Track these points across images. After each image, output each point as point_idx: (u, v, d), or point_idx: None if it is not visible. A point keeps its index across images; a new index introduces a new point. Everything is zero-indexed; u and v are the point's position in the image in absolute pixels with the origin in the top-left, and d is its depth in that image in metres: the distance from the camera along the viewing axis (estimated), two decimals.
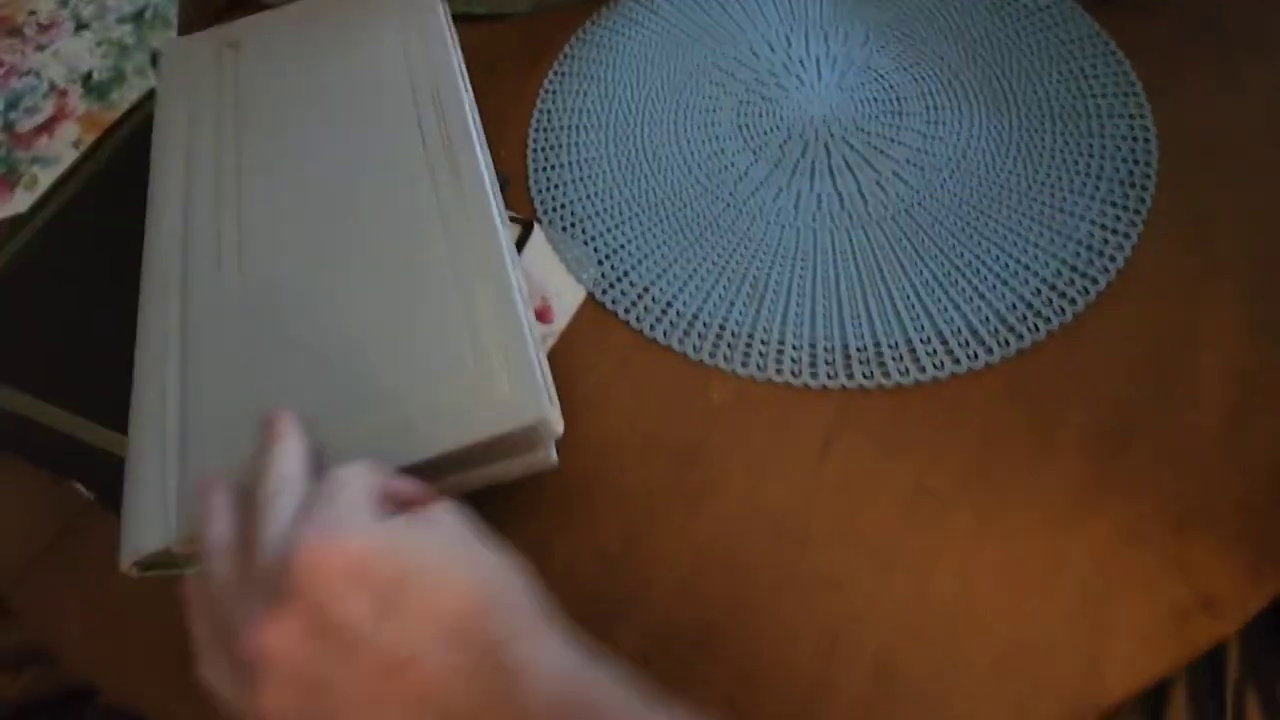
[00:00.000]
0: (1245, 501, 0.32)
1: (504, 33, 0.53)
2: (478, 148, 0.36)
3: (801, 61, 0.48)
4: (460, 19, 0.54)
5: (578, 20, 0.53)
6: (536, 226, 0.44)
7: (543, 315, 0.41)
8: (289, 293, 0.33)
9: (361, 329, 0.32)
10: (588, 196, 0.45)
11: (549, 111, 0.49)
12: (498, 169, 0.44)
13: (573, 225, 0.44)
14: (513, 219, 0.44)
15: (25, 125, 0.54)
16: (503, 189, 0.43)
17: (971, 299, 0.38)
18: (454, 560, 0.21)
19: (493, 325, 0.30)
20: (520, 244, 0.43)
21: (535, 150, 0.48)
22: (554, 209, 0.45)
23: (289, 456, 0.24)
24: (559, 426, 0.30)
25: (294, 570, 0.19)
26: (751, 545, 0.34)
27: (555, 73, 0.51)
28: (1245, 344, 0.35)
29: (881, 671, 0.30)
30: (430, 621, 0.20)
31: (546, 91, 0.50)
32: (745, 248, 0.42)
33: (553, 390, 0.30)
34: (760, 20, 0.51)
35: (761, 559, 0.33)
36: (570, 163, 0.47)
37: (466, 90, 0.41)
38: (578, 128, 0.48)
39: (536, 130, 0.49)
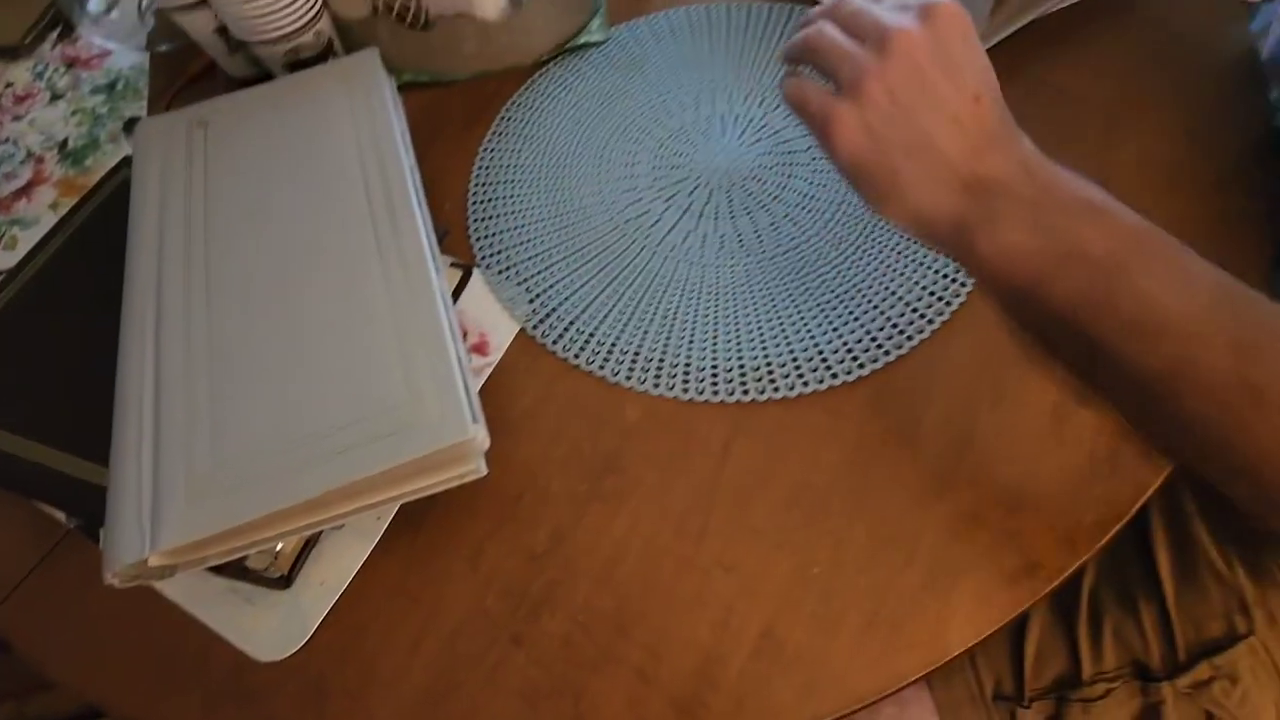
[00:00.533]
0: (1063, 485, 0.38)
1: (446, 98, 0.60)
2: (416, 208, 0.42)
3: (708, 120, 0.55)
4: (407, 87, 0.61)
5: (512, 86, 0.60)
6: (475, 271, 0.50)
7: (481, 348, 0.47)
8: (249, 337, 0.38)
9: (311, 368, 0.37)
10: (521, 243, 0.51)
11: (486, 167, 0.56)
12: (438, 222, 0.50)
13: (508, 268, 0.50)
14: (453, 265, 0.50)
15: (4, 190, 0.59)
16: (442, 240, 0.49)
17: (848, 322, 0.45)
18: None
19: (424, 360, 0.36)
20: (460, 286, 0.49)
21: (474, 202, 0.54)
22: (491, 254, 0.51)
23: None
24: (484, 442, 0.35)
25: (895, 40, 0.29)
26: (659, 539, 0.39)
27: (493, 133, 0.57)
28: None
29: (768, 639, 0.36)
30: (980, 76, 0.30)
31: (485, 150, 0.57)
32: (658, 284, 0.48)
33: (478, 411, 0.36)
34: (673, 85, 0.58)
35: (667, 550, 0.39)
36: (505, 213, 0.53)
37: (408, 154, 0.47)
38: (512, 182, 0.55)
39: (475, 184, 0.55)
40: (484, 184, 0.55)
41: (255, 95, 0.48)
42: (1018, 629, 0.48)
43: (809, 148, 0.53)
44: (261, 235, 0.41)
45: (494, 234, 0.52)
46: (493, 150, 0.56)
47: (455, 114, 0.59)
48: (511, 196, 0.54)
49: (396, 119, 0.47)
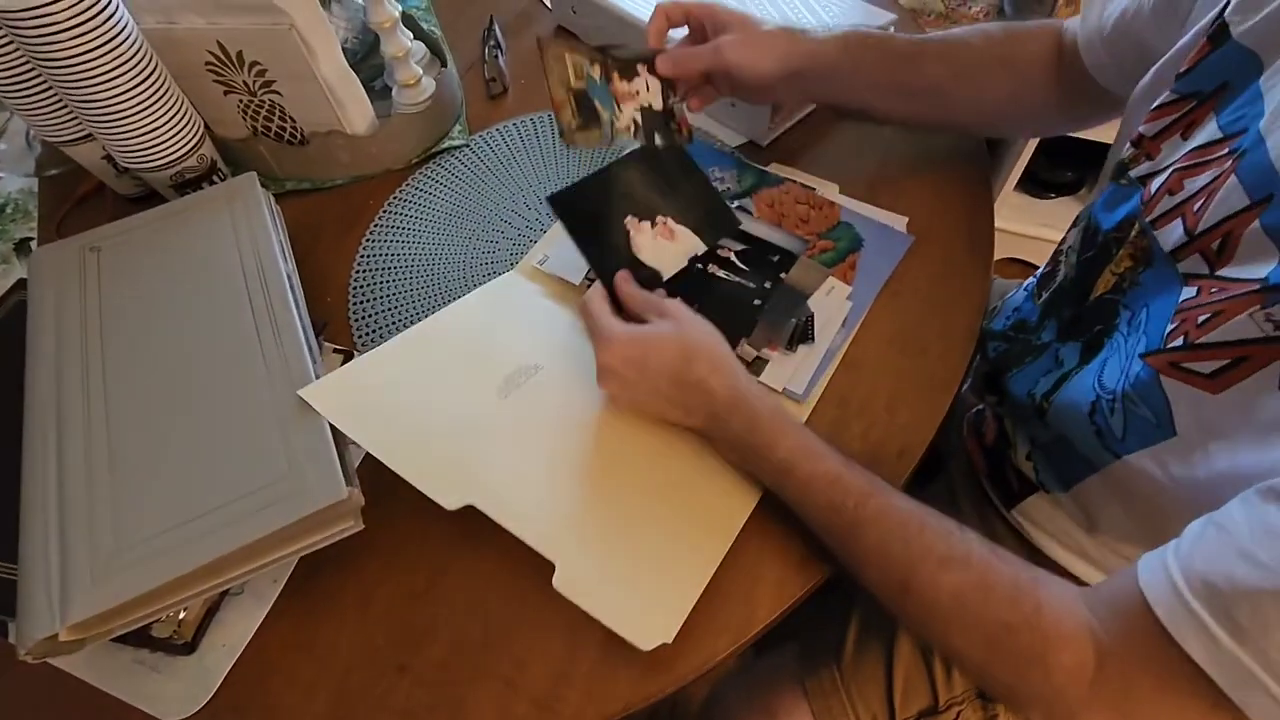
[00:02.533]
0: None
1: (326, 202, 0.68)
2: (294, 309, 0.49)
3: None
4: (289, 195, 0.68)
5: (387, 187, 0.68)
6: (355, 354, 0.57)
7: None
8: (145, 432, 0.44)
9: (203, 455, 0.43)
10: (395, 325, 0.59)
11: (365, 259, 0.63)
12: (320, 314, 0.57)
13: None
14: (335, 350, 0.57)
15: None
16: (321, 330, 0.56)
17: None
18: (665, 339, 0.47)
19: (303, 437, 0.43)
20: None
21: (354, 293, 0.61)
22: (369, 338, 0.58)
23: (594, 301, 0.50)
24: (358, 501, 0.42)
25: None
26: (520, 570, 0.46)
27: (370, 230, 0.65)
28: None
29: (611, 640, 0.43)
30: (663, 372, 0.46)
31: (364, 245, 0.64)
32: None
33: (353, 475, 0.43)
34: (527, 182, 0.68)
35: (527, 579, 0.46)
36: (382, 296, 0.61)
37: (287, 261, 0.54)
38: (389, 270, 0.62)
39: (355, 277, 0.62)
40: (363, 274, 0.62)
41: (144, 220, 0.55)
42: (888, 662, 0.56)
43: None
44: (155, 344, 0.48)
45: (372, 317, 0.59)
46: (371, 245, 0.64)
47: (335, 216, 0.67)
48: (388, 283, 0.62)
49: (275, 232, 0.54)
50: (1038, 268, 0.60)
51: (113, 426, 0.45)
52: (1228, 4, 0.40)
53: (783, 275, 0.57)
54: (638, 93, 0.56)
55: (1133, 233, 0.44)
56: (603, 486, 0.47)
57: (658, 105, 0.57)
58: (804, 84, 0.56)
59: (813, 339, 0.54)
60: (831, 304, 0.56)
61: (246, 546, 0.40)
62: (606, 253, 0.52)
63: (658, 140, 0.57)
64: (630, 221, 0.54)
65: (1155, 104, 0.44)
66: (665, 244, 0.55)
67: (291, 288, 0.51)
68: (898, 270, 0.58)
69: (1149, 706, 0.33)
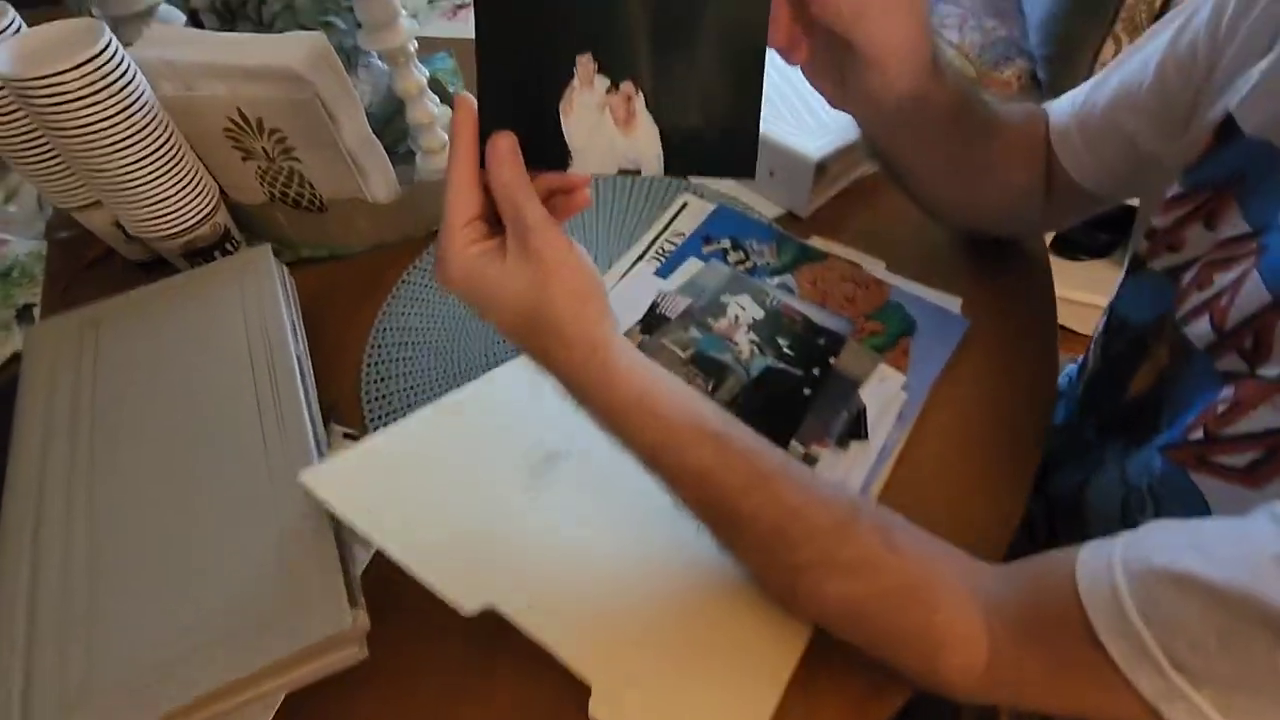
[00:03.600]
0: None
1: (343, 271, 0.65)
2: (302, 398, 0.45)
3: None
4: (304, 262, 0.65)
5: (407, 256, 0.65)
6: None
7: None
8: (130, 537, 0.40)
9: (192, 564, 0.38)
10: (412, 406, 0.55)
11: (382, 334, 0.60)
12: (329, 394, 0.53)
13: None
14: (346, 434, 0.53)
15: None
16: (329, 416, 0.52)
17: None
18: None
19: (305, 547, 0.38)
20: None
21: (369, 369, 0.57)
22: (383, 420, 0.54)
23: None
24: (364, 626, 0.37)
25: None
26: (535, 705, 0.41)
27: (389, 301, 0.62)
28: None
29: None
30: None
31: (381, 317, 0.61)
32: None
33: (358, 594, 0.38)
34: None
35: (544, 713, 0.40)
36: (398, 374, 0.57)
37: (298, 342, 0.50)
38: (407, 344, 0.59)
39: (371, 352, 0.58)
40: (379, 349, 0.59)
41: (149, 294, 0.52)
42: None
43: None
44: (149, 435, 0.44)
45: (386, 398, 0.55)
46: (388, 318, 0.61)
47: (352, 285, 0.63)
48: (405, 359, 0.58)
49: (287, 310, 0.51)
50: (1071, 331, 0.55)
51: (96, 528, 0.40)
52: (1231, 100, 0.38)
53: (831, 361, 0.52)
54: None
55: (1167, 328, 0.42)
56: (643, 600, 0.42)
57: None
58: (910, 82, 0.41)
59: (866, 435, 0.49)
60: (884, 394, 0.51)
61: (235, 681, 0.35)
62: (515, 89, 0.33)
63: None
64: (582, 64, 0.33)
65: (1166, 197, 0.42)
66: (608, 127, 0.34)
67: (301, 372, 0.47)
68: (954, 357, 0.53)
69: (1040, 686, 0.33)
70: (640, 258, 0.61)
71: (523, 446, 0.46)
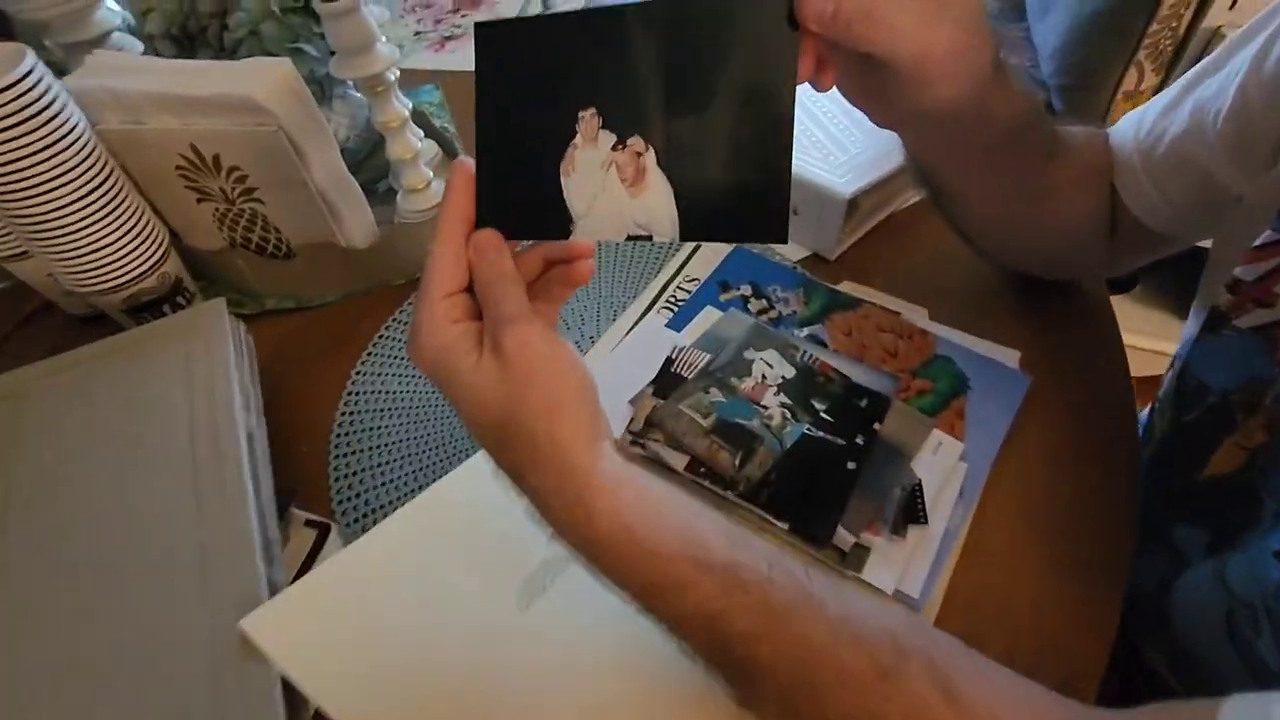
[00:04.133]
0: None
1: (312, 322, 0.57)
2: (249, 485, 0.37)
3: None
4: (267, 315, 0.58)
5: (387, 307, 0.58)
6: (334, 528, 0.45)
7: None
8: (34, 663, 0.31)
9: (99, 705, 0.30)
10: (387, 485, 0.47)
11: (356, 395, 0.52)
12: (291, 472, 0.45)
13: (370, 514, 0.45)
14: (309, 523, 0.45)
15: None
16: (288, 504, 0.44)
17: None
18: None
19: (240, 694, 0.30)
20: (316, 549, 0.44)
21: (339, 438, 0.49)
22: (353, 503, 0.46)
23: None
24: None
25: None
26: None
27: (365, 357, 0.54)
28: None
29: None
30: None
31: (355, 376, 0.53)
32: None
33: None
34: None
35: None
36: (373, 447, 0.49)
37: (251, 411, 0.43)
38: (382, 411, 0.51)
39: (342, 415, 0.51)
40: (351, 415, 0.51)
41: (83, 357, 0.44)
42: None
43: None
44: (68, 534, 0.36)
45: (358, 475, 0.47)
46: (362, 379, 0.53)
47: (322, 340, 0.56)
48: (381, 429, 0.50)
49: (239, 377, 0.43)
50: None
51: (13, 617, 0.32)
52: None
53: (876, 427, 0.45)
54: None
55: (1266, 399, 0.35)
56: None
57: None
58: (962, 90, 0.33)
59: (925, 518, 0.41)
60: (941, 467, 0.44)
61: None
62: (513, 148, 0.30)
63: None
64: (584, 119, 0.29)
65: (1254, 243, 0.36)
66: (614, 188, 0.29)
67: (252, 451, 0.40)
68: (1017, 421, 0.46)
69: None
70: (650, 308, 0.54)
71: (513, 556, 0.39)
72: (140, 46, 0.61)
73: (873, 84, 0.35)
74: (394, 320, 0.57)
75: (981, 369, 0.49)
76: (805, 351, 0.49)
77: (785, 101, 0.27)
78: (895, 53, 0.30)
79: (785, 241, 0.27)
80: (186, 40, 0.56)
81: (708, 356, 0.50)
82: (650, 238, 0.29)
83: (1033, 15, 1.12)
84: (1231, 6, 0.85)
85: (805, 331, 0.51)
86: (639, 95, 0.28)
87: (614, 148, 0.28)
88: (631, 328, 0.53)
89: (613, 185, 0.28)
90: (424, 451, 0.48)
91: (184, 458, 0.38)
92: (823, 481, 0.43)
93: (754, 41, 0.27)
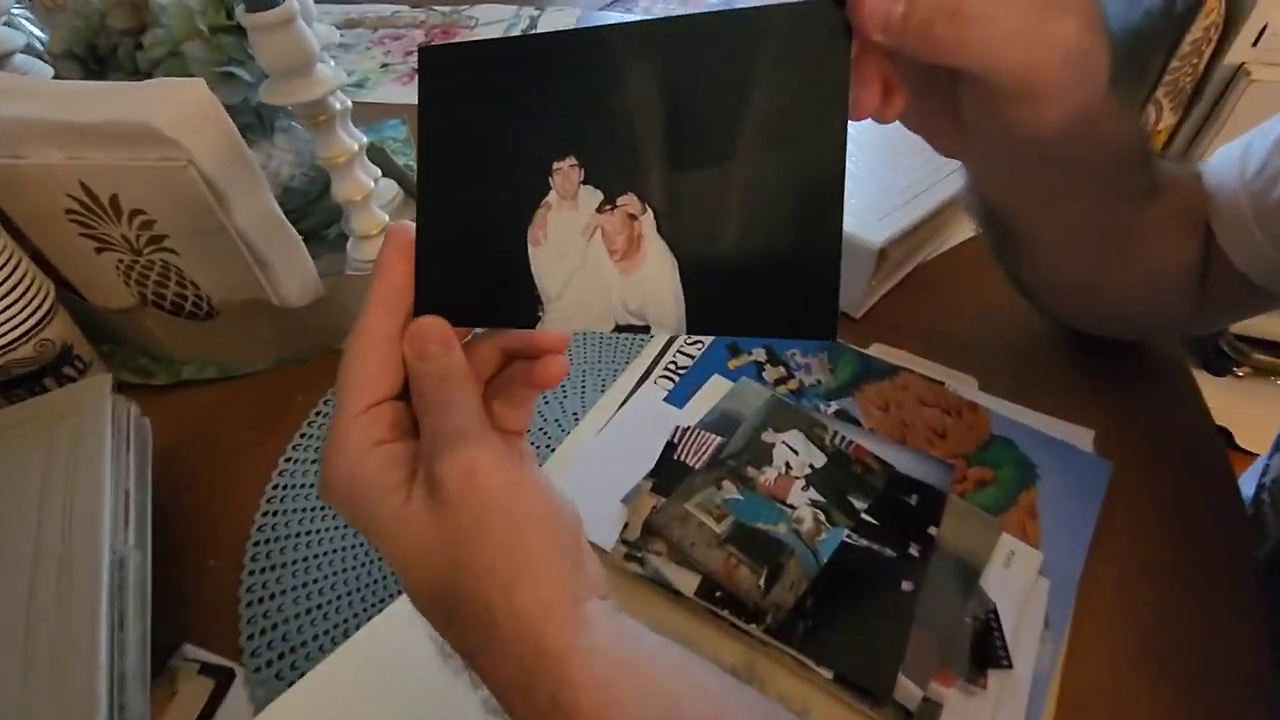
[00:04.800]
0: None
1: (238, 395, 0.47)
2: (102, 641, 0.27)
3: None
4: (184, 386, 0.48)
5: (328, 376, 0.47)
6: (239, 674, 0.34)
7: None
8: None
9: None
10: (310, 613, 0.36)
11: (285, 488, 0.42)
12: (195, 593, 0.35)
13: (288, 654, 0.35)
14: (204, 670, 0.34)
15: None
16: (172, 651, 0.34)
17: None
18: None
19: None
20: (214, 703, 0.33)
21: (258, 547, 0.39)
22: (266, 636, 0.36)
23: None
24: None
25: None
26: None
27: (298, 438, 0.45)
28: None
29: None
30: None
31: (285, 465, 0.43)
32: None
33: None
34: None
35: None
36: (301, 561, 0.39)
37: (127, 526, 0.33)
38: (315, 512, 0.41)
39: (265, 515, 0.41)
40: (276, 516, 0.41)
41: None
42: None
43: None
44: None
45: (277, 599, 0.37)
46: (294, 467, 0.43)
47: (248, 418, 0.46)
48: (312, 534, 0.40)
49: (114, 480, 0.33)
50: None
51: None
52: None
53: (932, 531, 0.36)
54: None
55: None
56: None
57: None
58: (1075, 105, 0.25)
59: (1008, 659, 0.32)
60: (1018, 584, 0.35)
61: None
62: (466, 209, 0.23)
63: None
64: (562, 172, 0.22)
65: None
66: (598, 262, 0.22)
67: (120, 583, 0.30)
68: (1102, 518, 0.37)
69: None
70: (645, 377, 0.45)
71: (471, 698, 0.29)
72: (49, 71, 0.52)
73: (942, 103, 0.27)
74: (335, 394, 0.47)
75: (1050, 453, 0.40)
76: (836, 432, 0.40)
77: (835, 144, 0.19)
78: (994, 65, 0.22)
79: (833, 339, 0.19)
80: (94, 62, 0.48)
81: (718, 440, 0.40)
82: (647, 328, 0.21)
83: None
84: (1255, 43, 0.80)
85: (833, 406, 0.43)
86: (633, 140, 0.21)
87: (600, 209, 0.21)
88: (623, 402, 0.44)
89: (597, 258, 0.21)
90: (364, 568, 0.38)
91: (16, 603, 0.28)
92: (874, 609, 0.33)
93: (790, 64, 0.19)
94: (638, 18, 0.22)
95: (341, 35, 0.86)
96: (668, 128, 0.20)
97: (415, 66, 0.79)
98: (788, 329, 0.20)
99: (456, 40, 0.84)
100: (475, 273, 0.22)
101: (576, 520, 0.23)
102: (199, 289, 0.45)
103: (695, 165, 0.20)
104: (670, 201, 0.20)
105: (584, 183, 0.21)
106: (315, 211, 0.56)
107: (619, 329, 0.21)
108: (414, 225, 0.23)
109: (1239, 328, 1.09)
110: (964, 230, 0.55)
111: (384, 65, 0.79)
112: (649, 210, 0.20)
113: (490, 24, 0.87)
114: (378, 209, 0.49)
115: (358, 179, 0.46)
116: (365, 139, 0.51)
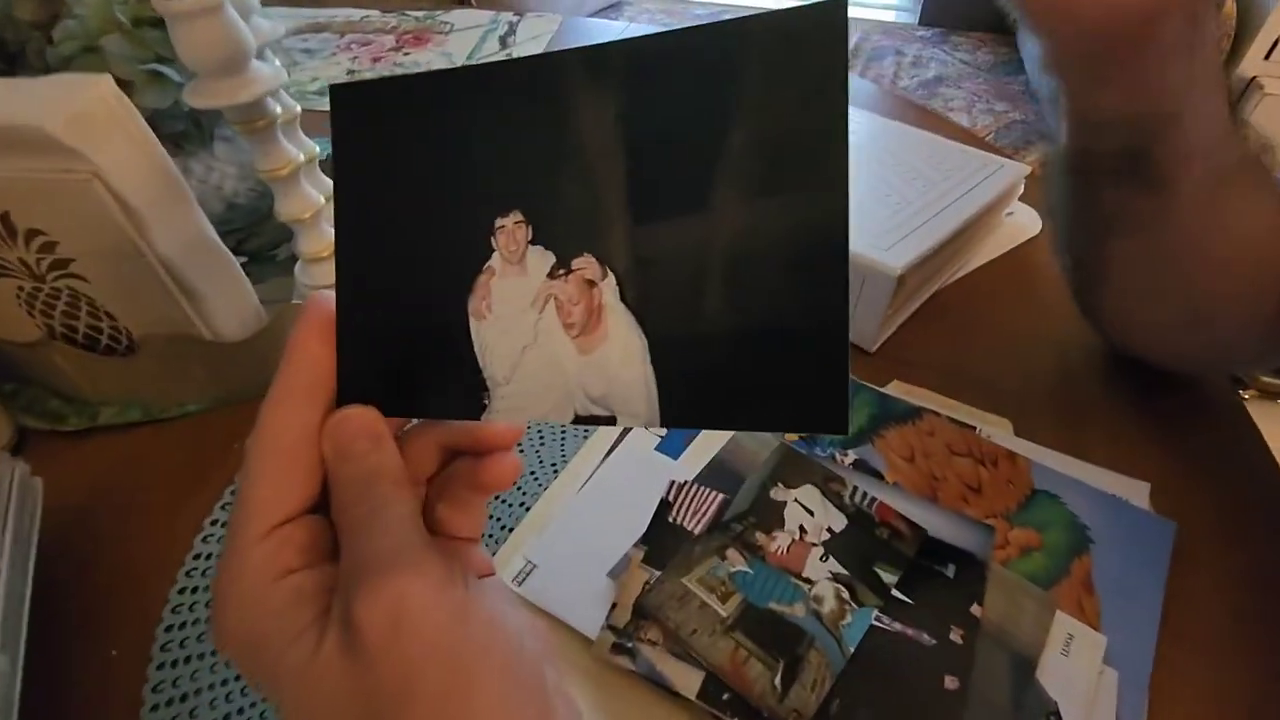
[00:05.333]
0: None
1: (162, 441, 0.41)
2: None
3: None
4: (101, 431, 0.41)
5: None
6: None
7: None
8: None
9: None
10: (230, 715, 0.30)
11: (205, 560, 0.36)
12: (92, 690, 0.29)
13: None
14: None
15: None
16: None
17: None
18: None
19: None
20: None
21: (170, 628, 0.33)
22: None
23: None
24: None
25: None
26: None
27: (230, 494, 0.38)
28: None
29: None
30: None
31: (214, 524, 0.37)
32: None
33: None
34: None
35: None
36: (209, 662, 0.32)
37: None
38: None
39: (183, 592, 0.34)
40: (196, 593, 0.34)
41: None
42: None
43: None
44: None
45: (188, 698, 0.30)
46: (220, 531, 0.37)
47: (174, 470, 0.40)
48: None
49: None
50: None
51: None
52: None
53: (975, 611, 0.31)
54: None
55: None
56: None
57: None
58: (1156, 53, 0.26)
59: None
60: (1081, 676, 0.29)
61: None
62: (394, 277, 0.19)
63: None
64: (505, 230, 0.18)
65: None
66: (552, 338, 0.17)
67: None
68: (1169, 589, 0.32)
69: None
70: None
71: None
72: None
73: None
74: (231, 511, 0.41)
75: (1103, 510, 0.35)
76: (856, 488, 0.35)
77: (836, 182, 0.15)
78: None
79: (845, 433, 0.15)
80: (4, 60, 0.42)
81: (720, 497, 0.35)
82: (613, 419, 0.17)
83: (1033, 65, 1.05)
84: (1267, 56, 0.77)
85: (851, 455, 0.37)
86: (590, 190, 0.17)
87: (552, 274, 0.17)
88: (609, 452, 0.38)
89: (550, 334, 0.17)
90: None
91: None
92: (913, 714, 0.28)
93: (780, 87, 0.15)
94: (623, 24, 0.17)
95: (306, 40, 0.81)
96: (631, 173, 0.16)
97: (384, 75, 0.74)
98: (788, 422, 0.16)
99: (429, 46, 0.78)
100: (409, 353, 0.18)
101: (541, 655, 0.17)
102: (115, 321, 0.39)
103: (665, 218, 0.16)
104: (635, 264, 0.16)
105: (532, 243, 0.17)
106: (264, 231, 0.50)
107: (579, 420, 0.17)
108: (330, 296, 0.18)
109: None
110: (984, 253, 0.50)
111: (350, 71, 0.74)
112: (610, 275, 0.17)
113: (466, 29, 0.82)
114: (329, 228, 0.43)
115: (304, 194, 0.41)
116: (317, 149, 0.45)
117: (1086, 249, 0.38)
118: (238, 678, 0.31)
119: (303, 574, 0.16)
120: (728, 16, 0.15)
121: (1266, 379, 1.08)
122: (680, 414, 0.16)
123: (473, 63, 0.17)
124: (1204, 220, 0.33)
